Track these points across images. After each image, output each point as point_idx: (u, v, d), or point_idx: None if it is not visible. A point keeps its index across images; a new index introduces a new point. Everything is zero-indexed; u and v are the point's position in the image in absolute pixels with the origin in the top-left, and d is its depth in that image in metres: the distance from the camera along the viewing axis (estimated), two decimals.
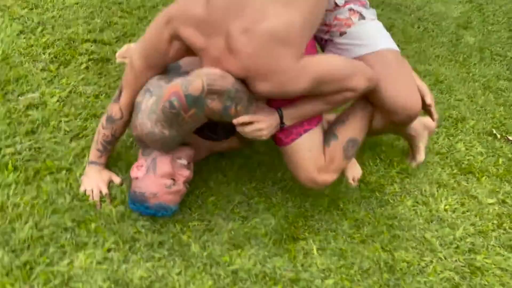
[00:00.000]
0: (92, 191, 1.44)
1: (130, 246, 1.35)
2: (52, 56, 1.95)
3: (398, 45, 1.52)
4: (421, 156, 1.82)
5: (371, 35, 1.41)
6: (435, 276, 1.43)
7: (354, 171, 1.71)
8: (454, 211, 1.67)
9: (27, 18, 2.14)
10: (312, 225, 1.53)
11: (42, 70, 1.88)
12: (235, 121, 1.25)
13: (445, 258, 1.49)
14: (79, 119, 1.70)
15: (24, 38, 2.03)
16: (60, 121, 1.67)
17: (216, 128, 1.36)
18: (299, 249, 1.45)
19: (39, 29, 2.09)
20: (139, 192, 1.35)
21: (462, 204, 1.70)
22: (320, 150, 1.41)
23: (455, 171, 1.84)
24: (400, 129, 1.54)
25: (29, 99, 1.72)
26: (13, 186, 1.42)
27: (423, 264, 1.46)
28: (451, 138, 2.02)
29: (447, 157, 1.91)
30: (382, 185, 1.72)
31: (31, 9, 2.22)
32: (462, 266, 1.47)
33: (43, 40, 2.03)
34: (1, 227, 1.31)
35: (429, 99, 1.51)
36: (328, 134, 1.45)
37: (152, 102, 1.26)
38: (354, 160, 1.72)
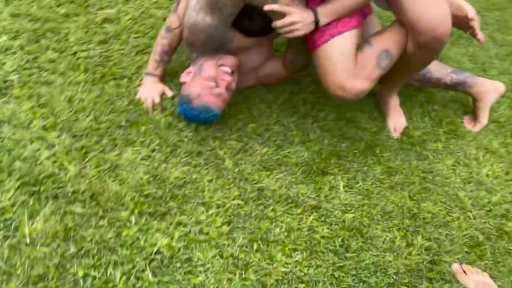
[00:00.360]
0: (146, 99, 1.59)
1: (172, 150, 1.49)
2: None
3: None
4: (484, 119, 1.76)
5: None
6: (458, 232, 1.42)
7: (398, 121, 1.70)
8: (496, 178, 1.61)
9: None
10: (344, 164, 1.57)
11: None
12: (266, 7, 1.31)
13: (474, 218, 1.47)
14: (146, 37, 1.85)
15: None
16: (130, 36, 1.83)
17: (253, 15, 1.43)
18: (326, 182, 1.50)
19: None
20: (186, 93, 1.49)
21: (507, 173, 1.64)
22: (352, 56, 1.39)
23: (508, 140, 1.76)
24: (432, 58, 1.46)
25: (106, 14, 1.90)
26: (82, 84, 1.61)
27: (448, 218, 1.46)
28: None
29: (503, 126, 1.82)
30: (425, 141, 1.70)
31: None
32: (489, 228, 1.45)
33: None
34: (68, 115, 1.51)
35: (471, 14, 1.45)
36: (363, 42, 1.43)
37: None
38: (399, 110, 1.71)
